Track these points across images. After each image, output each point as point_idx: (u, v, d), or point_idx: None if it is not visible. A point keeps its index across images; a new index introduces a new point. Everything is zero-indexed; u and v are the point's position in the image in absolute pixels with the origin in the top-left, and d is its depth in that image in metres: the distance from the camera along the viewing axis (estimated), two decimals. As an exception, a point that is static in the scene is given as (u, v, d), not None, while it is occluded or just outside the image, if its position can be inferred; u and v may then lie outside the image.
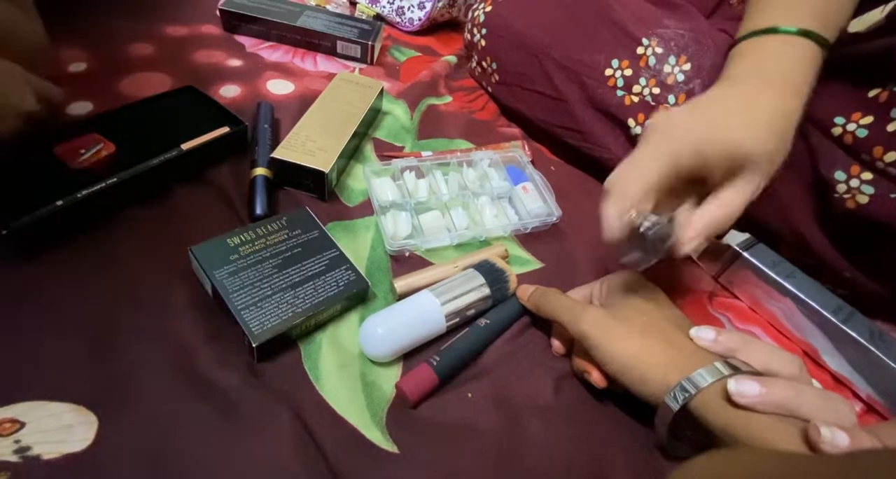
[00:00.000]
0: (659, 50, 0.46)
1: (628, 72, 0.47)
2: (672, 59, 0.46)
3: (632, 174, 0.30)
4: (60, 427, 0.26)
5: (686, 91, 0.45)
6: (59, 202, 0.34)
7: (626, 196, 0.30)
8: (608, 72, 0.48)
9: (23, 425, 0.26)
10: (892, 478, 0.13)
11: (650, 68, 0.47)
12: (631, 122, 0.48)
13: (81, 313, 0.31)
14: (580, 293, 0.38)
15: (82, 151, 0.37)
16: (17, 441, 0.25)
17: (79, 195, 0.34)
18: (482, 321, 0.36)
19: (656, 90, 0.46)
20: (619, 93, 0.48)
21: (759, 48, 0.34)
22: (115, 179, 0.36)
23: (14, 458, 0.25)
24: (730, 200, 0.30)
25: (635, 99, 0.47)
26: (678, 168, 0.30)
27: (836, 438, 0.23)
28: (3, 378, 0.28)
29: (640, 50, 0.47)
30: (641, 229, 0.30)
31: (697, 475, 0.18)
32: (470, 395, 0.33)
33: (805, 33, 0.33)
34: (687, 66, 0.45)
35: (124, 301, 0.32)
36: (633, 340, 0.30)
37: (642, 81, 0.47)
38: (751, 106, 0.31)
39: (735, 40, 0.36)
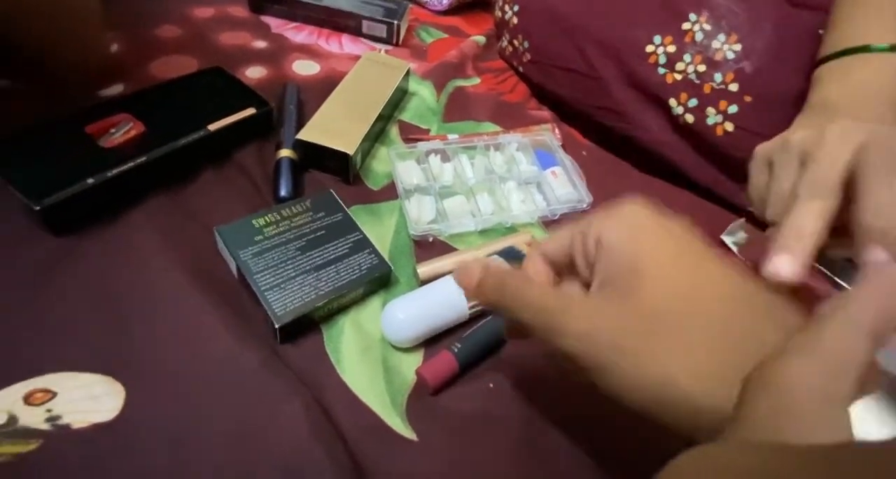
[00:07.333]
0: (707, 27, 0.43)
1: (671, 48, 0.44)
2: (722, 37, 0.43)
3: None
4: (90, 397, 0.27)
5: (735, 70, 0.42)
6: (91, 180, 0.34)
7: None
8: (649, 48, 0.45)
9: (54, 394, 0.27)
10: (874, 472, 0.11)
11: (696, 44, 0.43)
12: (672, 102, 0.45)
13: (110, 288, 0.32)
14: (553, 247, 0.23)
15: (113, 130, 0.38)
16: (48, 410, 0.26)
17: (109, 174, 0.35)
18: (506, 309, 0.35)
19: (702, 68, 0.43)
20: (661, 70, 0.45)
21: (851, 71, 0.33)
22: (144, 159, 0.36)
23: (46, 426, 0.26)
24: None
25: (678, 76, 0.44)
26: None
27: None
28: (35, 349, 0.29)
29: (685, 26, 0.44)
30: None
31: (676, 473, 0.16)
32: (492, 385, 0.32)
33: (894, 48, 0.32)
34: (738, 47, 0.42)
35: (152, 278, 0.33)
36: (678, 354, 0.17)
37: (687, 57, 0.44)
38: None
39: (822, 58, 0.35)
